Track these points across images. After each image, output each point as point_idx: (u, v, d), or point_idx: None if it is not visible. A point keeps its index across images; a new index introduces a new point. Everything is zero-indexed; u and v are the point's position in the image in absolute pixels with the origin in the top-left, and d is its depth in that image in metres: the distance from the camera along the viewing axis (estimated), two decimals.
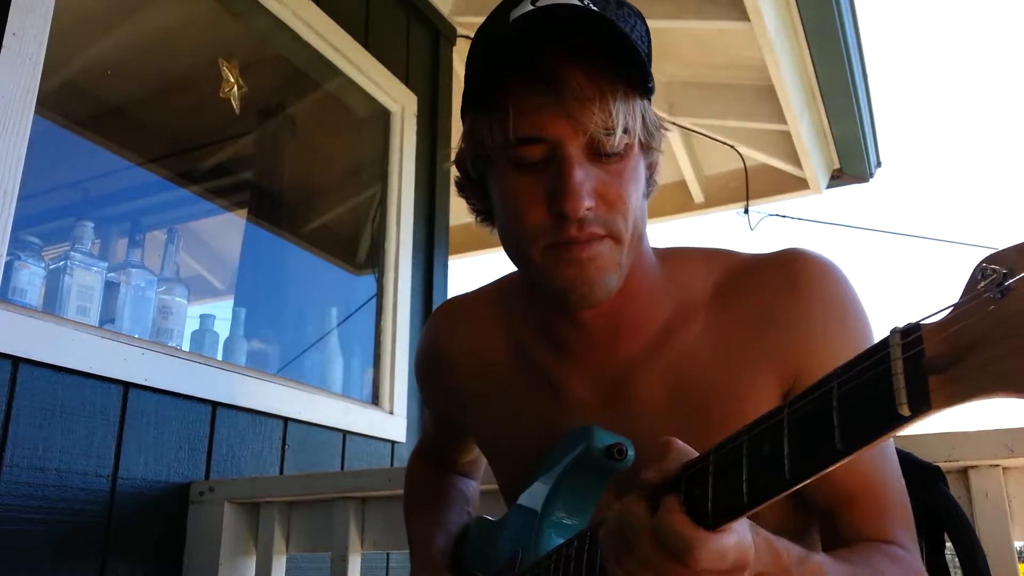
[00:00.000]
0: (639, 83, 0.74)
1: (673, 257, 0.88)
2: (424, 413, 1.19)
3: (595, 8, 0.73)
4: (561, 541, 0.79)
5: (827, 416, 0.48)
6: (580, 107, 0.72)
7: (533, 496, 0.86)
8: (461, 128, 0.84)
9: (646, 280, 0.84)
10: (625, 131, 0.73)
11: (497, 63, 0.74)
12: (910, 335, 0.44)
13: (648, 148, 0.79)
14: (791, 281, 0.81)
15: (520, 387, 0.92)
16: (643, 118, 0.76)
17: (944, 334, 0.42)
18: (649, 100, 0.78)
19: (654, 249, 0.88)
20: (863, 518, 0.76)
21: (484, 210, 0.86)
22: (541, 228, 0.75)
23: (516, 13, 0.74)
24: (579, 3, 0.73)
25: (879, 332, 0.81)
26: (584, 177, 0.73)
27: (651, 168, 0.82)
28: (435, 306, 2.65)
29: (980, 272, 0.41)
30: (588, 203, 0.73)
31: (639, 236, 0.79)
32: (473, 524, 1.05)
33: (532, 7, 0.73)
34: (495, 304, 0.98)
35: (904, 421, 0.43)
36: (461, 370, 0.99)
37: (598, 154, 0.74)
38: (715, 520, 0.54)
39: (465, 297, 1.05)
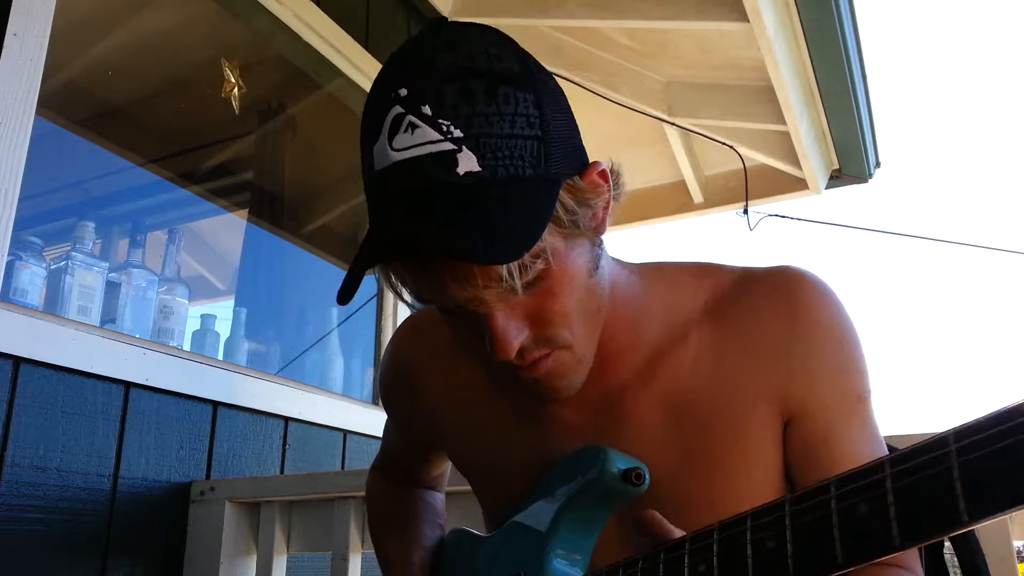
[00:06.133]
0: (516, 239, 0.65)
1: (657, 274, 0.84)
2: (386, 430, 1.12)
3: (456, 136, 0.64)
4: (565, 567, 0.77)
5: (947, 484, 0.45)
6: (461, 286, 0.66)
7: (534, 516, 0.81)
8: None
9: (627, 306, 0.80)
10: (526, 270, 0.66)
11: (368, 249, 0.68)
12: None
13: (576, 235, 0.71)
14: (787, 306, 0.78)
15: (502, 408, 0.87)
16: (554, 229, 0.68)
17: None
18: (553, 198, 0.68)
19: (635, 265, 0.85)
20: None
21: None
22: (488, 353, 0.71)
23: (380, 161, 0.67)
24: (438, 136, 0.64)
25: (860, 338, 0.82)
26: (506, 320, 0.68)
27: (595, 232, 0.74)
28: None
29: None
30: (519, 339, 0.69)
31: (595, 314, 0.75)
32: (450, 538, 1.00)
33: (391, 153, 0.66)
34: None
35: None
36: (433, 389, 0.94)
37: (513, 295, 0.68)
38: None
39: (432, 311, 0.98)
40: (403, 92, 0.66)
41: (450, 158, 0.64)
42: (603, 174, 0.73)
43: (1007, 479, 0.43)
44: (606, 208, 0.74)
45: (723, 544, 0.58)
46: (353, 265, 0.68)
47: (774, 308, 0.79)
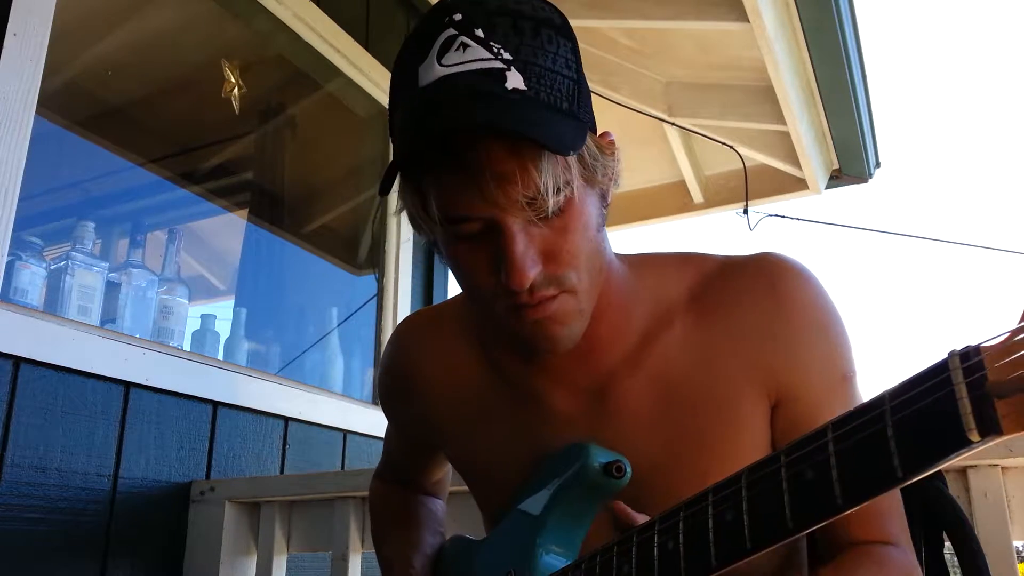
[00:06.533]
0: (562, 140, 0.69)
1: (644, 264, 0.86)
2: (387, 435, 1.13)
3: (506, 57, 0.68)
4: (555, 560, 0.78)
5: (882, 443, 0.47)
6: (502, 187, 0.67)
7: (524, 514, 0.83)
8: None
9: (617, 292, 0.82)
10: (558, 191, 0.69)
11: (408, 147, 0.70)
12: (970, 359, 0.43)
13: (593, 182, 0.74)
14: (770, 291, 0.80)
15: (498, 405, 0.88)
16: (579, 163, 0.71)
17: (1009, 358, 0.41)
18: (584, 135, 0.72)
19: (624, 256, 0.86)
20: (858, 520, 0.76)
21: (436, 249, 0.82)
22: (494, 292, 0.73)
23: (425, 77, 0.69)
24: (489, 55, 0.68)
25: (861, 338, 0.83)
26: (525, 246, 0.70)
27: (603, 195, 0.77)
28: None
29: None
30: (534, 271, 0.70)
31: (597, 271, 0.76)
32: (449, 545, 1.01)
33: (439, 69, 0.69)
34: (462, 318, 0.94)
35: (971, 447, 0.43)
36: (431, 390, 0.94)
37: (537, 217, 0.70)
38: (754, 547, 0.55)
39: (429, 311, 1.01)
40: (457, 16, 0.70)
41: (499, 74, 0.68)
42: (612, 143, 0.77)
43: (936, 431, 0.45)
44: (612, 178, 0.77)
45: (687, 521, 0.60)
46: (396, 166, 0.70)
47: (757, 294, 0.80)
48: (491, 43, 0.68)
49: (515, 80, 0.68)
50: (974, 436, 0.42)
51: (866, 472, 0.48)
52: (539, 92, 0.69)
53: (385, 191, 0.71)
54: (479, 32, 0.69)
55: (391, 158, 0.73)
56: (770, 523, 0.54)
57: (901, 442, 0.46)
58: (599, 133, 0.76)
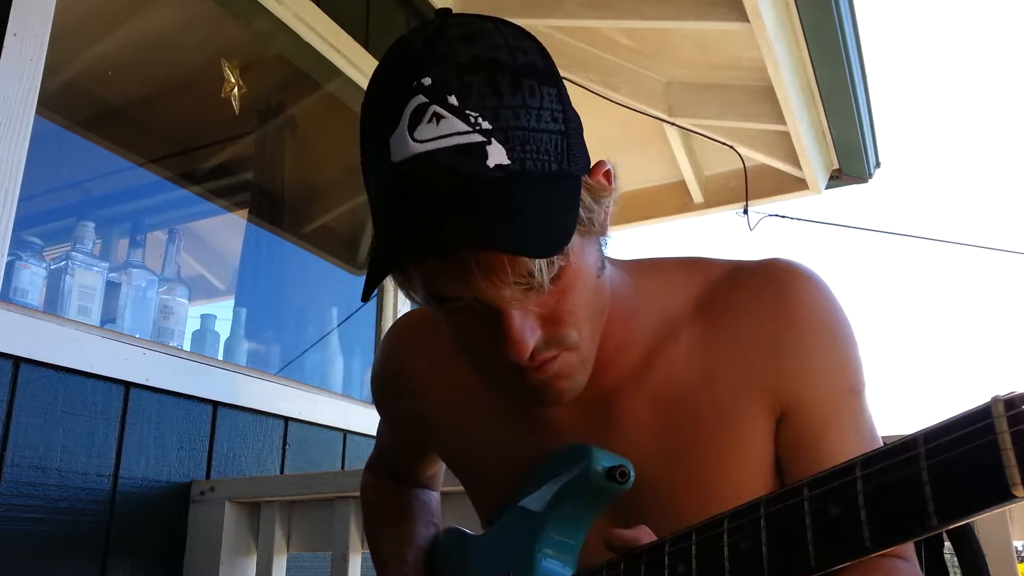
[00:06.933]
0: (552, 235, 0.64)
1: (648, 270, 0.83)
2: (379, 429, 1.12)
3: (485, 128, 0.62)
4: (553, 565, 0.77)
5: (916, 487, 0.45)
6: (490, 279, 0.63)
7: (523, 514, 0.81)
8: None
9: (619, 304, 0.78)
10: (552, 265, 0.65)
11: (393, 238, 0.64)
12: (1016, 407, 0.41)
13: (591, 232, 0.71)
14: (779, 301, 0.77)
15: (492, 407, 0.86)
16: (575, 222, 0.66)
17: None
18: (578, 192, 0.68)
19: (627, 263, 0.84)
20: None
21: None
22: (492, 358, 0.70)
23: (398, 152, 0.64)
24: (466, 127, 0.62)
25: (860, 338, 0.81)
26: (521, 320, 0.66)
27: (603, 230, 0.74)
28: None
29: None
30: (532, 339, 0.67)
31: (599, 315, 0.74)
32: (444, 537, 1.00)
33: (413, 144, 0.63)
34: None
35: (1013, 501, 0.41)
36: (425, 391, 0.93)
37: (531, 295, 0.66)
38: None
39: (425, 311, 0.96)
40: (427, 81, 0.64)
41: (479, 150, 0.62)
42: (607, 174, 0.72)
43: (975, 482, 0.42)
44: (608, 209, 0.73)
45: (701, 546, 0.58)
46: (378, 263, 0.65)
47: (765, 303, 0.78)
48: (467, 112, 0.62)
49: (497, 155, 0.62)
50: (1019, 492, 0.40)
51: (898, 516, 0.46)
52: (524, 162, 0.63)
53: (368, 296, 0.66)
54: (452, 100, 0.63)
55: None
56: (791, 557, 0.52)
57: (937, 489, 0.44)
58: (593, 164, 0.72)
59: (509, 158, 0.63)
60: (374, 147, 0.67)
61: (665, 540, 0.62)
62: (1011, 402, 0.41)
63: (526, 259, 0.63)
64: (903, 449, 0.46)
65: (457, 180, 0.62)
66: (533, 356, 0.69)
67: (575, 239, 0.66)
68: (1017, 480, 0.40)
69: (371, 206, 0.71)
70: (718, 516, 0.58)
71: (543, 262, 0.64)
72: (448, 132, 0.62)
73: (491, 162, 0.62)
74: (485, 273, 0.63)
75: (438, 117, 0.63)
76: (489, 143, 0.62)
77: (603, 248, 0.75)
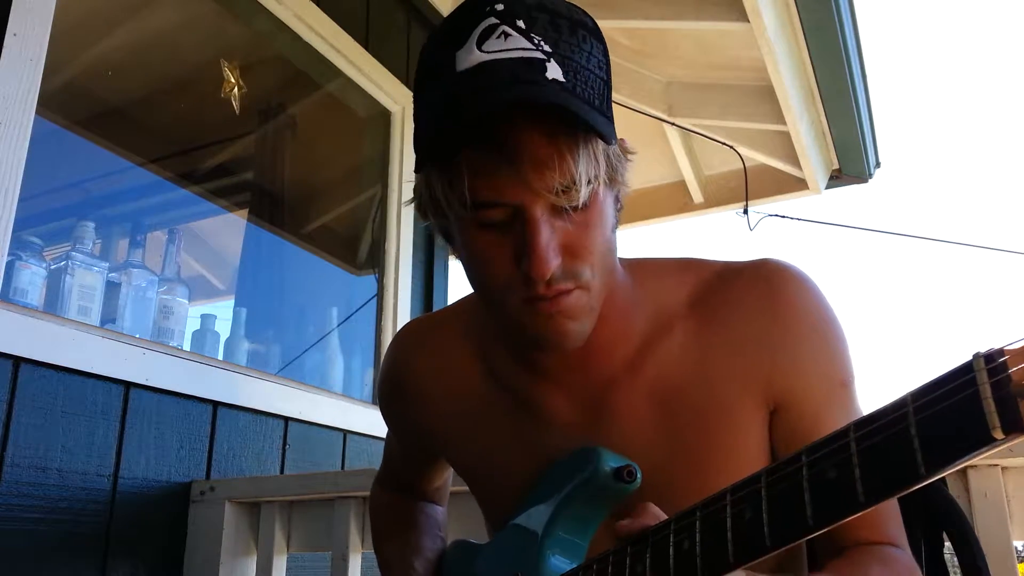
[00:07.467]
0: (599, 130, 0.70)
1: (644, 269, 0.86)
2: (387, 441, 1.13)
3: (546, 49, 0.69)
4: (562, 564, 0.78)
5: (905, 442, 0.48)
6: (538, 172, 0.68)
7: (531, 518, 0.83)
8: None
9: (618, 297, 0.81)
10: (589, 182, 0.70)
11: (447, 124, 0.69)
12: (995, 360, 0.45)
13: (614, 182, 0.76)
14: (769, 298, 0.80)
15: (497, 411, 0.88)
16: (607, 159, 0.72)
17: None
18: (614, 134, 0.74)
19: (624, 260, 0.86)
20: (861, 522, 0.76)
21: (448, 239, 0.83)
22: (510, 284, 0.73)
23: (463, 63, 0.69)
24: (530, 45, 0.69)
25: (861, 338, 0.83)
26: (549, 237, 0.70)
27: (618, 197, 0.79)
28: (435, 306, 2.66)
29: None
30: (555, 262, 0.71)
31: (609, 272, 0.77)
32: (451, 549, 1.02)
33: (480, 55, 0.69)
34: (462, 325, 0.94)
35: (994, 444, 0.44)
36: (431, 397, 0.95)
37: (563, 208, 0.71)
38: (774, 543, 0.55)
39: (429, 318, 1.01)
40: (499, 7, 0.70)
41: (540, 64, 0.68)
42: (622, 144, 0.77)
43: (960, 429, 0.46)
44: (625, 173, 0.78)
45: (705, 520, 0.60)
46: (433, 141, 0.70)
47: (756, 300, 0.80)
48: (532, 34, 0.69)
49: (555, 71, 0.68)
50: (998, 434, 0.43)
51: (889, 470, 0.49)
52: (576, 86, 0.69)
53: (421, 167, 0.72)
54: (520, 23, 0.70)
55: (412, 144, 0.73)
56: (790, 520, 0.54)
57: (925, 440, 0.47)
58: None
59: (564, 78, 0.69)
60: (438, 64, 0.72)
61: (670, 519, 0.65)
62: (990, 356, 0.45)
63: (571, 162, 0.68)
64: (893, 409, 0.50)
65: (518, 81, 0.67)
66: (550, 283, 0.71)
67: (603, 181, 0.72)
68: (997, 423, 0.44)
69: (423, 121, 0.74)
70: (720, 491, 0.60)
71: (583, 170, 0.68)
72: (514, 47, 0.69)
73: (550, 75, 0.68)
74: (536, 166, 0.68)
75: (505, 35, 0.69)
76: (549, 61, 0.69)
77: (617, 213, 0.79)
